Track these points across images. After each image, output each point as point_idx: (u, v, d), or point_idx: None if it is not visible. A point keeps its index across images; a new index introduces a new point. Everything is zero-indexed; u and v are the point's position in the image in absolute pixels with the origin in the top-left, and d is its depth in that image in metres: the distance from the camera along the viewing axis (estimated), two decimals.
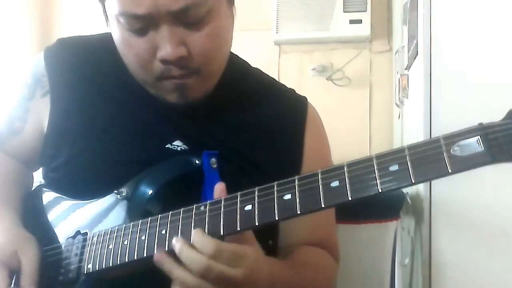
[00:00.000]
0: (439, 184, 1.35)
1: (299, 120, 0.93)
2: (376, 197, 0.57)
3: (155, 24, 0.75)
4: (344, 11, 2.59)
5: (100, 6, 0.81)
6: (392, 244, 1.43)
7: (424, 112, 1.37)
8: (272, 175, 0.84)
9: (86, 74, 0.88)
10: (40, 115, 0.89)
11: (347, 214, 1.00)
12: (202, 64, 0.79)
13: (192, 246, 0.65)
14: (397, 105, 2.26)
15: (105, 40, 0.90)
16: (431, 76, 1.37)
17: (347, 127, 2.61)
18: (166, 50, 0.75)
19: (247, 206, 0.64)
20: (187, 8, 0.73)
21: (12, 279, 0.76)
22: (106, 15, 0.81)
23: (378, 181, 0.56)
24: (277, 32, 2.68)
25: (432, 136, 1.34)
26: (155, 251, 0.69)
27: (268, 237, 0.92)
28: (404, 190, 1.68)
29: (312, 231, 0.89)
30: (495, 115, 0.57)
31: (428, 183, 1.35)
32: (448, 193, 1.34)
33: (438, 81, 1.36)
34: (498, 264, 1.28)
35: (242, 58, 0.97)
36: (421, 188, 1.39)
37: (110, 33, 0.88)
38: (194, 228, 0.66)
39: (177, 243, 0.66)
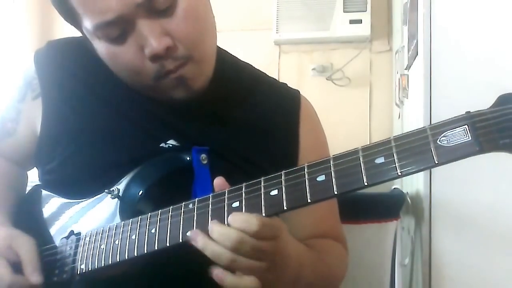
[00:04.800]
0: (439, 184, 1.35)
1: (292, 113, 0.92)
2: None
3: (130, 24, 0.73)
4: (344, 11, 2.59)
5: (82, 33, 0.80)
6: (392, 244, 1.43)
7: (424, 112, 1.37)
8: (269, 170, 0.85)
9: (77, 75, 0.88)
10: (32, 117, 0.89)
11: (347, 214, 1.00)
12: (191, 49, 0.77)
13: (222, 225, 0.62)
14: (397, 105, 2.26)
15: None
16: (431, 76, 1.37)
17: (347, 127, 2.61)
18: (151, 45, 0.73)
19: (234, 203, 0.63)
20: None
21: (13, 269, 0.75)
22: (88, 39, 0.80)
23: (363, 175, 0.55)
24: (277, 32, 2.68)
25: None
26: (145, 250, 0.68)
27: None
28: (404, 190, 1.68)
29: (317, 223, 0.88)
30: None
31: (428, 182, 1.35)
32: (448, 193, 1.34)
33: (438, 81, 1.36)
34: (498, 264, 1.28)
35: (231, 53, 0.96)
36: (421, 188, 1.39)
37: None
38: (184, 228, 0.66)
39: (210, 224, 0.63)
